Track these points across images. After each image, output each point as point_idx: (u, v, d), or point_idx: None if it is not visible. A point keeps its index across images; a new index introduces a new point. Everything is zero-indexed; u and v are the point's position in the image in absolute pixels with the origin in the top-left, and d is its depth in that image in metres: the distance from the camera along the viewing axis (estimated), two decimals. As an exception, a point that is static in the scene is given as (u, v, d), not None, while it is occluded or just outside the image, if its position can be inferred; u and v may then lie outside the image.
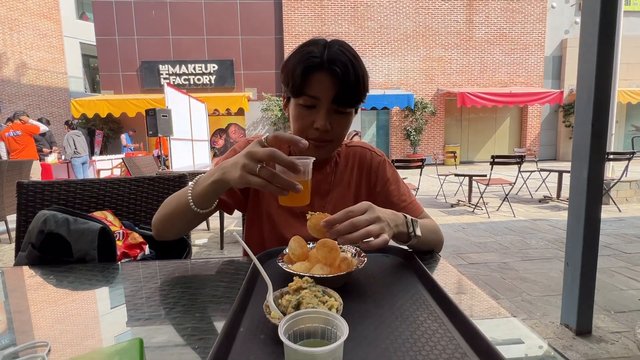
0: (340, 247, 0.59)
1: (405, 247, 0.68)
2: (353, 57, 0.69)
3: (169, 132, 5.40)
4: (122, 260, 0.78)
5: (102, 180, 1.05)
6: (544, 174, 5.78)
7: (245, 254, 0.82)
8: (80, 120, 10.84)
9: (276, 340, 0.39)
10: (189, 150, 6.73)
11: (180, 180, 1.10)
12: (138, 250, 0.82)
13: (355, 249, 0.62)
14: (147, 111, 5.18)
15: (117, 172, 7.31)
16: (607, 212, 4.37)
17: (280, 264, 0.55)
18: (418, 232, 0.65)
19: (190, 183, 0.65)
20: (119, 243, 0.78)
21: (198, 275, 0.63)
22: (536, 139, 12.44)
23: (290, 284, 0.45)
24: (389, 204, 0.82)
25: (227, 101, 10.15)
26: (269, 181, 0.52)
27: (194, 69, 11.08)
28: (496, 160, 4.45)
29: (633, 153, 4.69)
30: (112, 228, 0.78)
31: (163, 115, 5.19)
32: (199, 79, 11.14)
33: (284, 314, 0.40)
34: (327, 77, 0.68)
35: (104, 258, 0.71)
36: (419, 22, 11.54)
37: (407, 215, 0.66)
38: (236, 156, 0.56)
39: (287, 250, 0.61)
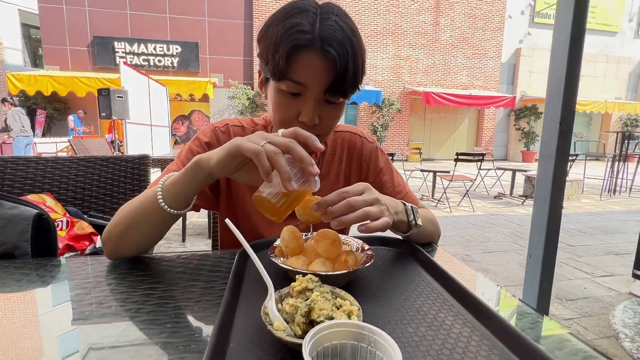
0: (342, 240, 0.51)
1: (401, 238, 0.62)
2: (351, 33, 0.55)
3: (125, 115, 4.95)
4: (66, 255, 0.63)
5: (41, 159, 0.87)
6: (499, 172, 6.16)
7: (226, 246, 0.71)
8: (18, 98, 9.61)
9: (280, 357, 0.30)
10: (147, 136, 6.25)
11: (140, 161, 0.95)
12: (87, 243, 0.67)
13: (356, 241, 0.55)
14: (99, 90, 4.68)
15: (62, 157, 6.60)
16: (553, 209, 4.76)
17: (273, 258, 0.46)
18: (419, 221, 0.59)
19: (159, 182, 0.52)
20: (61, 234, 0.64)
21: (167, 272, 0.52)
22: (491, 139, 13.28)
23: (292, 284, 0.36)
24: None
25: (190, 86, 9.57)
26: (269, 158, 0.42)
27: (155, 49, 10.27)
28: (460, 157, 4.64)
29: (576, 155, 5.15)
30: (53, 215, 0.63)
31: (118, 96, 4.73)
32: (159, 61, 10.36)
33: (287, 323, 0.32)
34: (318, 60, 0.54)
35: (40, 252, 0.57)
36: (389, 20, 11.70)
37: (407, 203, 0.60)
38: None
39: (278, 243, 0.52)
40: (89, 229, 0.69)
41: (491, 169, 6.08)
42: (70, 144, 3.07)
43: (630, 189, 6.23)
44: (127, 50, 10.15)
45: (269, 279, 0.34)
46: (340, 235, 0.53)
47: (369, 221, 0.48)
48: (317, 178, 0.45)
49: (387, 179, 0.77)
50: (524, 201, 5.27)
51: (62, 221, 0.65)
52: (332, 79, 0.55)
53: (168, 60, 10.37)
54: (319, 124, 0.60)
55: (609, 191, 5.97)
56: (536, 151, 13.20)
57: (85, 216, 0.77)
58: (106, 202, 0.92)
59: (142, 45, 10.21)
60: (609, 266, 2.76)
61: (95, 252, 0.68)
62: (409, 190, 0.78)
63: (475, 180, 4.92)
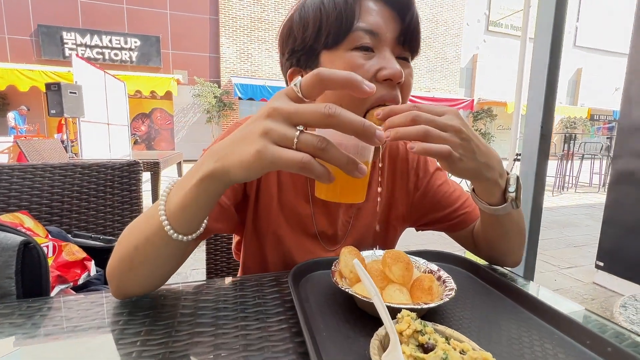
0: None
1: (491, 212, 0.48)
2: None
3: (79, 113, 4.51)
4: (57, 289, 0.51)
5: (4, 168, 0.72)
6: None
7: (250, 269, 0.62)
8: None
9: None
10: (105, 135, 5.77)
11: (130, 168, 0.83)
12: (79, 271, 0.55)
13: (417, 260, 0.49)
14: (48, 85, 4.20)
15: (3, 159, 5.87)
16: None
17: (346, 289, 0.39)
18: (519, 198, 0.46)
19: (161, 194, 0.39)
20: (49, 262, 0.51)
21: (205, 310, 0.42)
22: (453, 140, 14.04)
23: (399, 327, 0.30)
24: (439, 208, 0.63)
25: (152, 83, 8.98)
26: (314, 155, 0.30)
27: (110, 41, 9.50)
28: (432, 157, 4.80)
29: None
30: (37, 240, 0.51)
31: (71, 92, 4.29)
32: (116, 54, 9.59)
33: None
34: (385, 6, 0.49)
35: (25, 291, 0.44)
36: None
37: (511, 173, 0.48)
38: (244, 126, 0.32)
39: (336, 266, 0.45)
40: (80, 254, 0.56)
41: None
42: (17, 145, 2.70)
43: (576, 185, 6.85)
44: (78, 42, 9.29)
45: (395, 332, 0.28)
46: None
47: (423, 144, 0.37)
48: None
49: (441, 185, 0.65)
50: (489, 198, 5.58)
51: (47, 246, 0.53)
52: (403, 27, 0.49)
53: (126, 54, 9.65)
54: (401, 84, 0.49)
55: (558, 188, 6.51)
56: (492, 151, 14.15)
57: (70, 236, 0.64)
58: (90, 217, 0.78)
59: (96, 37, 9.40)
60: (571, 258, 2.99)
61: (89, 283, 0.56)
62: (469, 197, 0.64)
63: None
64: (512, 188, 0.46)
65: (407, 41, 0.50)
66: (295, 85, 0.31)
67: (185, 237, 0.38)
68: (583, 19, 14.98)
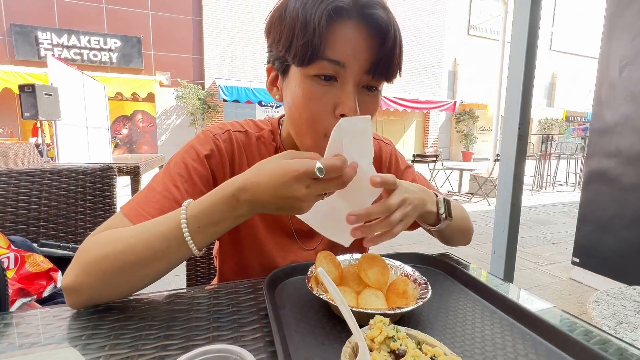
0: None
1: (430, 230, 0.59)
2: (386, 5, 0.47)
3: (55, 115, 4.34)
4: (18, 303, 0.48)
5: (-36, 174, 0.68)
6: (447, 171, 6.62)
7: (227, 277, 0.60)
8: None
9: None
10: (83, 139, 5.58)
11: (103, 174, 0.80)
12: (44, 282, 0.52)
13: (390, 262, 0.49)
14: (21, 87, 4.03)
15: (-29, 164, 5.58)
16: (493, 205, 5.22)
17: (320, 296, 0.38)
18: (451, 215, 0.54)
19: (182, 210, 0.41)
20: (9, 274, 0.48)
21: (165, 319, 0.41)
22: (436, 141, 14.28)
23: (369, 334, 0.30)
24: None
25: (133, 84, 8.76)
26: None
27: (89, 42, 9.20)
28: (417, 158, 4.88)
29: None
30: (-4, 251, 0.48)
31: (47, 94, 4.13)
32: (95, 55, 9.30)
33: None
34: (359, 32, 0.45)
35: (-18, 305, 0.42)
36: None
37: (439, 194, 0.56)
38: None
39: (311, 271, 0.44)
40: (46, 264, 0.53)
41: (441, 169, 6.50)
42: (-14, 150, 2.57)
43: (553, 184, 7.10)
44: (54, 42, 8.96)
45: (363, 339, 0.27)
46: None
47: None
48: None
49: (411, 182, 0.66)
50: (471, 198, 5.70)
51: (8, 257, 0.50)
52: (377, 55, 0.45)
53: (105, 55, 9.37)
54: None
55: (536, 187, 6.73)
56: (474, 152, 14.50)
57: (36, 245, 0.60)
58: (59, 225, 0.75)
59: (73, 37, 9.09)
60: (549, 255, 3.08)
61: (56, 294, 0.54)
62: (435, 189, 0.68)
63: (430, 179, 5.21)
64: (442, 210, 0.54)
65: (377, 73, 0.47)
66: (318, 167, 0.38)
67: (199, 253, 0.42)
68: (558, 24, 15.60)
